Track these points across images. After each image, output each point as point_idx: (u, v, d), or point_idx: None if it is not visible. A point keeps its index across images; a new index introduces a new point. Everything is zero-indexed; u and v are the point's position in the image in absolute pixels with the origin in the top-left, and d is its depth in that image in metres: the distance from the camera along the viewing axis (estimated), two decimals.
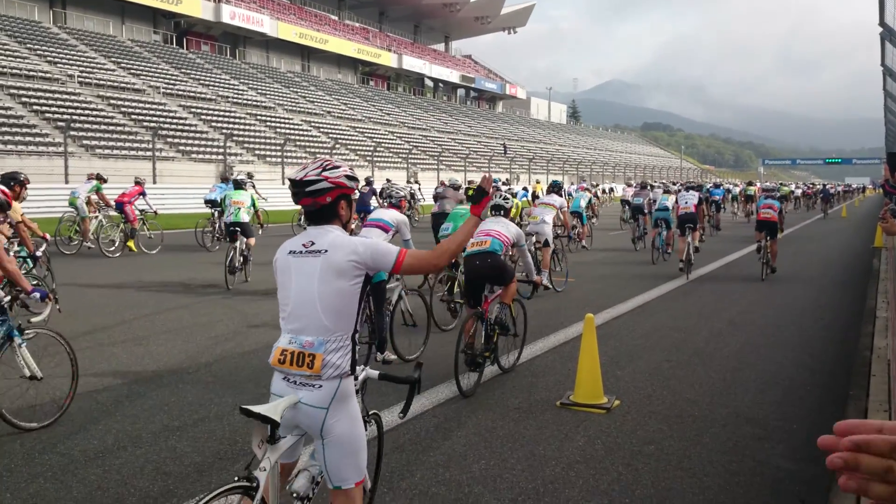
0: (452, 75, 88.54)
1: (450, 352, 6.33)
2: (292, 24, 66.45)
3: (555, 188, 14.43)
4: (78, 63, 42.28)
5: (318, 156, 45.16)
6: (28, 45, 41.43)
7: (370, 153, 47.34)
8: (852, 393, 6.25)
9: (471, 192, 3.89)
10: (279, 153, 40.09)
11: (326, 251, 2.84)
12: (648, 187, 21.74)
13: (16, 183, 8.75)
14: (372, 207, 14.66)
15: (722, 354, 7.74)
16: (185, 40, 58.72)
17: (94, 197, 16.27)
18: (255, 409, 2.73)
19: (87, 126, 34.70)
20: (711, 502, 4.14)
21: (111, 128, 36.14)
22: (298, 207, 7.59)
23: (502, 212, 7.35)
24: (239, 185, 13.50)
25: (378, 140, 55.48)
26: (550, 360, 7.31)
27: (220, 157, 37.28)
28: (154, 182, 30.95)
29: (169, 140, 37.55)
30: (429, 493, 4.18)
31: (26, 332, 5.36)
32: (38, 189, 25.97)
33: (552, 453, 4.82)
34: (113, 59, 46.05)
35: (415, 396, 3.25)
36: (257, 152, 42.00)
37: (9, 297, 5.47)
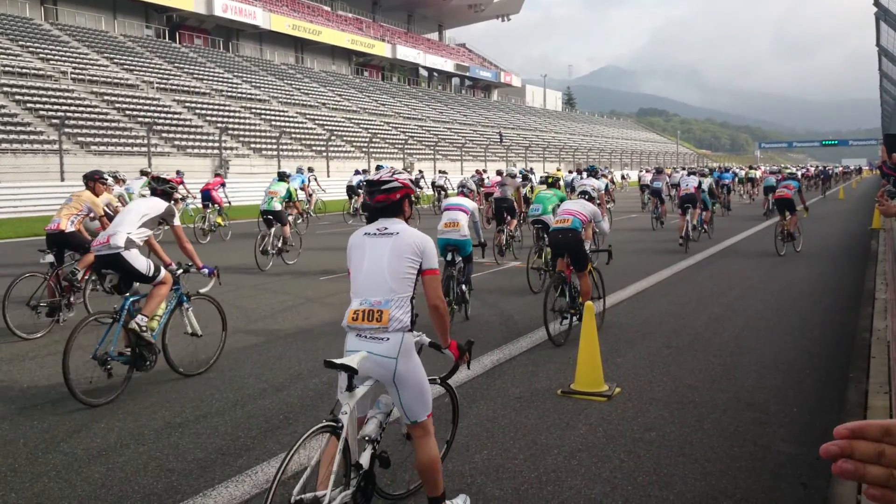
0: (447, 64, 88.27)
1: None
2: (285, 16, 66.17)
3: (592, 172, 15.47)
4: (71, 59, 42.09)
5: (313, 148, 45.15)
6: (20, 43, 41.23)
7: (366, 144, 47.25)
8: (852, 375, 6.27)
9: (550, 180, 7.76)
10: (275, 146, 40.00)
11: (398, 234, 3.60)
12: (665, 171, 23.92)
13: (95, 180, 9.34)
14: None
15: (721, 339, 7.75)
16: (177, 34, 58.49)
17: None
18: (337, 361, 3.32)
19: (81, 123, 34.59)
20: (713, 488, 4.15)
21: (106, 124, 36.02)
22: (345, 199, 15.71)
23: (586, 196, 8.62)
24: (282, 177, 15.04)
25: (374, 131, 55.37)
26: (550, 349, 7.32)
27: (216, 151, 37.18)
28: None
29: (164, 135, 37.44)
30: None
31: (192, 298, 6.77)
32: (33, 187, 25.99)
33: (554, 442, 4.83)
34: (106, 54, 45.84)
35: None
36: (253, 146, 41.90)
37: (181, 270, 6.66)
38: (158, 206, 6.62)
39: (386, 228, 3.64)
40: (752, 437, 4.93)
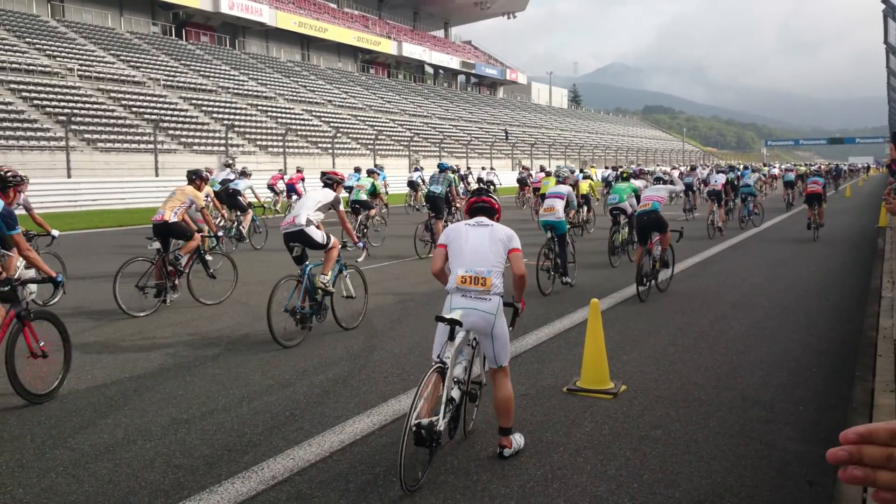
0: (452, 62, 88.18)
1: None
2: (291, 13, 66.18)
3: (635, 174, 17.21)
4: (77, 56, 42.18)
5: (319, 145, 45.14)
6: (27, 40, 41.33)
7: (371, 141, 47.25)
8: (859, 374, 6.25)
9: (625, 174, 14.14)
10: (281, 143, 40.03)
11: (492, 226, 4.84)
12: (697, 169, 28.55)
13: (198, 177, 10.50)
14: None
15: (727, 337, 7.74)
16: (184, 31, 58.55)
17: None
18: (446, 316, 4.37)
19: (88, 120, 34.65)
20: (719, 486, 4.15)
21: (112, 121, 36.08)
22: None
23: (661, 182, 11.89)
24: (370, 173, 17.99)
25: (379, 128, 55.37)
26: (556, 346, 7.33)
27: (222, 148, 37.24)
28: (157, 175, 31.00)
29: (170, 132, 37.50)
30: (437, 481, 4.20)
31: (348, 268, 8.41)
32: (39, 184, 26.03)
33: (560, 439, 4.84)
34: (112, 51, 45.93)
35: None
36: (259, 143, 41.94)
37: (340, 246, 8.22)
38: (329, 195, 8.37)
39: (482, 222, 4.88)
40: (758, 435, 4.93)
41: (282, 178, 23.81)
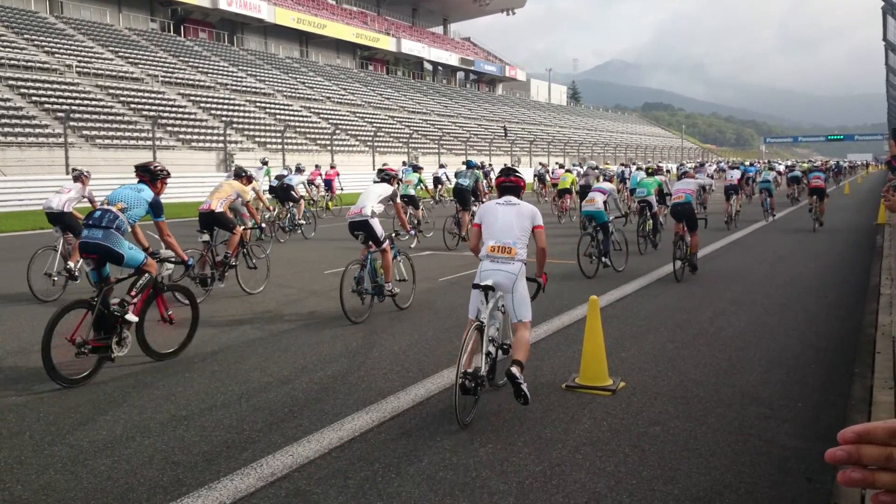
0: (451, 58, 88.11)
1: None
2: (290, 10, 66.10)
3: (657, 170, 18.11)
4: (76, 53, 42.13)
5: (317, 142, 45.10)
6: (25, 36, 41.27)
7: (370, 138, 47.22)
8: (857, 371, 6.25)
9: (650, 170, 16.43)
10: (279, 140, 39.99)
11: (519, 205, 5.72)
12: (705, 165, 31.97)
13: (245, 176, 12.00)
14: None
15: (726, 334, 7.75)
16: (182, 28, 58.50)
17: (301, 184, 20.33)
18: (482, 283, 5.34)
19: (86, 116, 34.62)
20: (718, 482, 4.15)
21: (111, 117, 36.05)
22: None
23: (687, 176, 13.06)
24: (415, 169, 19.10)
25: (378, 125, 55.32)
26: (555, 343, 7.33)
27: (220, 145, 37.20)
28: None
29: (168, 129, 37.46)
30: (436, 477, 4.20)
31: (401, 254, 9.46)
32: (38, 180, 26.00)
33: (558, 436, 4.84)
34: (110, 48, 45.87)
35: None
36: (257, 139, 41.91)
37: (394, 234, 9.32)
38: (388, 188, 9.35)
39: (511, 201, 5.76)
40: (756, 431, 4.93)
41: (319, 174, 25.81)
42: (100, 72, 41.03)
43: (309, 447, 4.64)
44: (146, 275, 6.68)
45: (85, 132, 32.95)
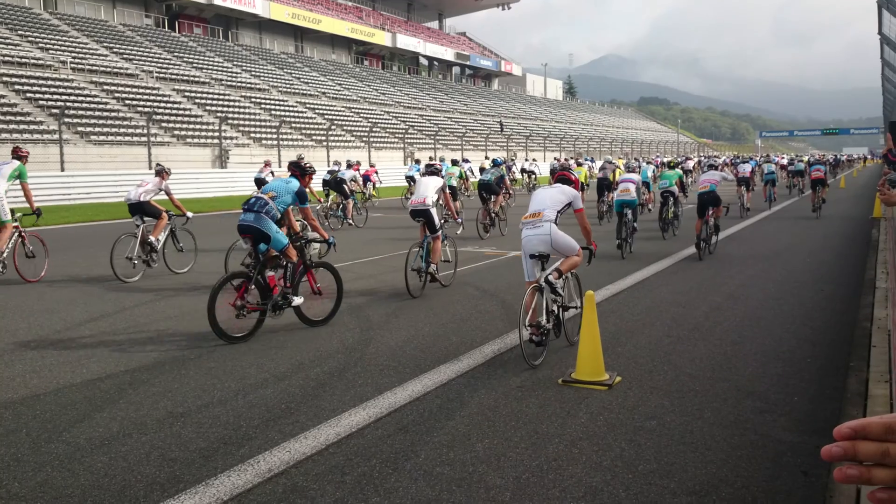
0: (447, 53, 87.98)
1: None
2: (284, 5, 65.91)
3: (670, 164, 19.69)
4: (70, 49, 41.98)
5: (313, 137, 45.01)
6: (19, 32, 41.11)
7: (366, 133, 47.15)
8: (853, 364, 6.27)
9: (672, 163, 18.48)
10: (275, 136, 39.91)
11: (560, 187, 7.24)
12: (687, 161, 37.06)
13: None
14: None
15: (722, 328, 7.76)
16: (176, 24, 58.31)
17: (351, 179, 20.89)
18: (531, 252, 6.65)
19: (81, 113, 34.52)
20: (714, 476, 4.16)
21: (106, 114, 35.96)
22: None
23: (714, 168, 16.38)
24: (455, 163, 20.91)
25: (374, 120, 55.24)
26: (552, 338, 7.32)
27: (216, 140, 37.13)
28: (150, 168, 30.80)
29: (164, 125, 37.37)
30: (433, 473, 4.21)
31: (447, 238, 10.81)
32: (33, 177, 25.87)
33: (555, 431, 4.84)
34: (105, 44, 45.72)
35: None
36: (253, 135, 41.83)
37: (444, 221, 10.62)
38: (439, 181, 10.72)
39: (554, 184, 7.44)
40: (752, 425, 4.94)
41: (358, 170, 27.37)
42: (94, 68, 40.91)
43: (306, 443, 4.64)
44: (289, 263, 7.85)
45: (80, 129, 32.86)
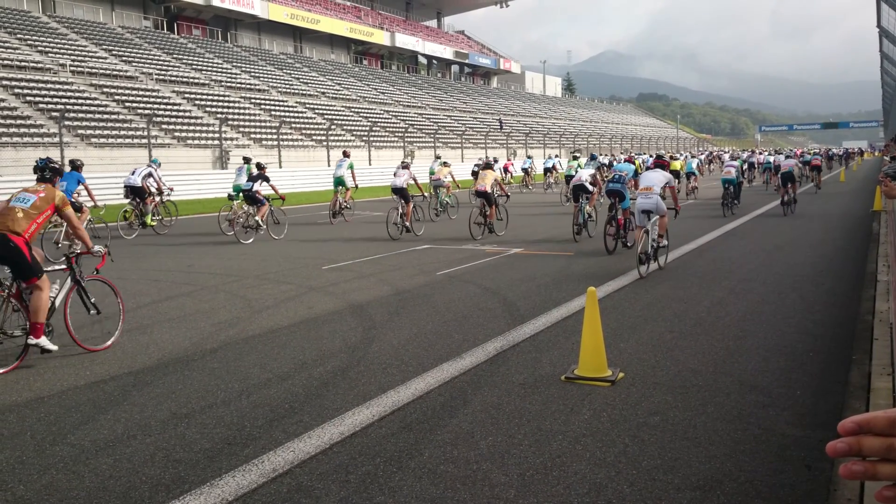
0: (446, 52, 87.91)
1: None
2: (283, 5, 65.86)
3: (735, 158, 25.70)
4: (69, 52, 41.98)
5: (313, 137, 45.01)
6: (18, 36, 41.10)
7: (366, 133, 47.15)
8: (855, 358, 6.28)
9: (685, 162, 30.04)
10: (275, 136, 39.91)
11: (661, 170, 11.87)
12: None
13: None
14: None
15: (724, 323, 7.76)
16: (175, 25, 58.26)
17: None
18: (642, 209, 11.05)
19: (81, 115, 34.52)
20: (718, 471, 4.17)
21: (106, 116, 35.96)
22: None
23: (734, 159, 25.62)
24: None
25: (373, 119, 55.23)
26: (554, 335, 7.34)
27: (216, 142, 37.13)
28: None
29: (164, 127, 37.37)
30: (437, 471, 4.22)
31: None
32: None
33: (559, 427, 4.85)
34: (104, 46, 45.71)
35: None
36: (253, 136, 41.83)
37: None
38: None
39: (656, 170, 11.70)
40: (755, 420, 4.95)
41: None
42: (94, 70, 40.91)
43: (310, 443, 4.65)
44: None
45: (80, 131, 32.86)
